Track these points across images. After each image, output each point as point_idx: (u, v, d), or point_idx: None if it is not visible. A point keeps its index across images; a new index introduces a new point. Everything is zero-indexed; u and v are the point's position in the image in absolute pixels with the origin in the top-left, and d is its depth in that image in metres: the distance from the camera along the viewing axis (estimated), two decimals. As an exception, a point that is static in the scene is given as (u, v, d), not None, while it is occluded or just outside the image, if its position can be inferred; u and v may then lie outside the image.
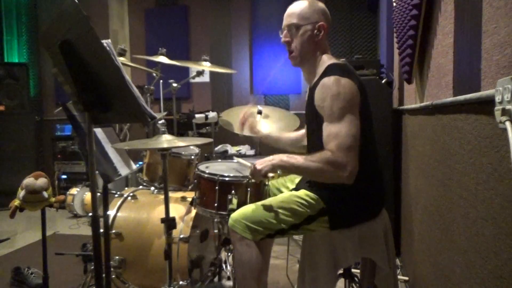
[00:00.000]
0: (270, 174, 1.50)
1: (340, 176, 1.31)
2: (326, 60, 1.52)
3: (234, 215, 1.51)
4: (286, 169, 1.46)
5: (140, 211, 2.12)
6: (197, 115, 3.13)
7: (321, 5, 1.56)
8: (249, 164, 1.59)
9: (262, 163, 1.46)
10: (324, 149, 1.35)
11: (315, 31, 1.52)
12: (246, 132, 1.97)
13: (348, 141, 1.31)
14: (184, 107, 4.94)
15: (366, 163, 1.49)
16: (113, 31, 5.04)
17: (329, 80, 1.39)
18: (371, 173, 1.52)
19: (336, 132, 1.33)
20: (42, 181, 1.91)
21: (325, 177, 1.38)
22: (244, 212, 1.50)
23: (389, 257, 1.52)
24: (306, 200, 1.47)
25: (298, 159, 1.39)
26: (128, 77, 1.15)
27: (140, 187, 2.43)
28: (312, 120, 1.53)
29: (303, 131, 1.88)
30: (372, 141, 1.53)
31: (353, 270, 1.68)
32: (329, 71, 1.45)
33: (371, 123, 1.52)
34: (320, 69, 1.51)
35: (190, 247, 1.99)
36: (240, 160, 1.90)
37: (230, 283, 2.21)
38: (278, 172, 1.63)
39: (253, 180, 1.71)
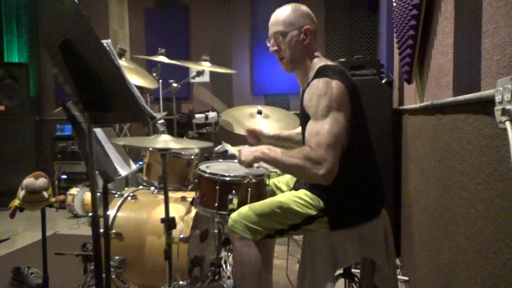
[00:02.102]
0: (255, 164, 1.53)
1: (316, 174, 1.29)
2: (317, 62, 1.53)
3: (233, 215, 1.52)
4: (266, 162, 1.46)
5: (140, 211, 2.12)
6: (197, 115, 3.13)
7: (305, 8, 1.56)
8: (236, 153, 1.60)
9: (245, 154, 1.49)
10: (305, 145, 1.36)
11: (302, 35, 1.52)
12: (253, 142, 1.94)
13: (328, 139, 1.30)
14: (184, 107, 4.94)
15: (363, 164, 1.49)
16: (113, 31, 5.04)
17: (318, 81, 1.39)
18: (369, 174, 1.52)
19: (318, 129, 1.33)
20: (42, 181, 1.91)
21: (302, 173, 1.37)
22: (244, 212, 1.50)
23: (389, 257, 1.53)
24: (305, 200, 1.48)
25: (277, 153, 1.39)
26: (128, 77, 1.15)
27: (140, 187, 2.43)
28: (305, 121, 1.54)
29: (298, 130, 1.88)
30: (368, 141, 1.54)
31: (353, 270, 1.68)
32: (319, 73, 1.46)
33: (365, 123, 1.52)
34: (312, 72, 1.52)
35: (190, 247, 1.99)
36: (228, 146, 1.86)
37: (230, 283, 2.21)
38: (263, 164, 1.66)
39: (254, 180, 1.71)
